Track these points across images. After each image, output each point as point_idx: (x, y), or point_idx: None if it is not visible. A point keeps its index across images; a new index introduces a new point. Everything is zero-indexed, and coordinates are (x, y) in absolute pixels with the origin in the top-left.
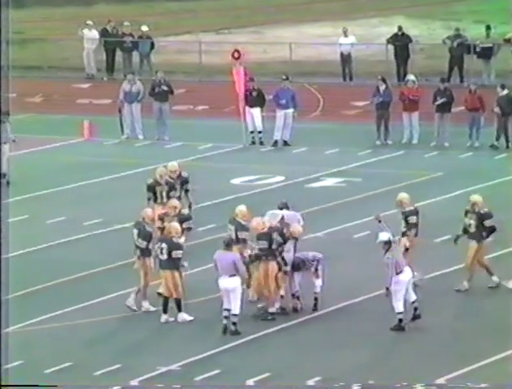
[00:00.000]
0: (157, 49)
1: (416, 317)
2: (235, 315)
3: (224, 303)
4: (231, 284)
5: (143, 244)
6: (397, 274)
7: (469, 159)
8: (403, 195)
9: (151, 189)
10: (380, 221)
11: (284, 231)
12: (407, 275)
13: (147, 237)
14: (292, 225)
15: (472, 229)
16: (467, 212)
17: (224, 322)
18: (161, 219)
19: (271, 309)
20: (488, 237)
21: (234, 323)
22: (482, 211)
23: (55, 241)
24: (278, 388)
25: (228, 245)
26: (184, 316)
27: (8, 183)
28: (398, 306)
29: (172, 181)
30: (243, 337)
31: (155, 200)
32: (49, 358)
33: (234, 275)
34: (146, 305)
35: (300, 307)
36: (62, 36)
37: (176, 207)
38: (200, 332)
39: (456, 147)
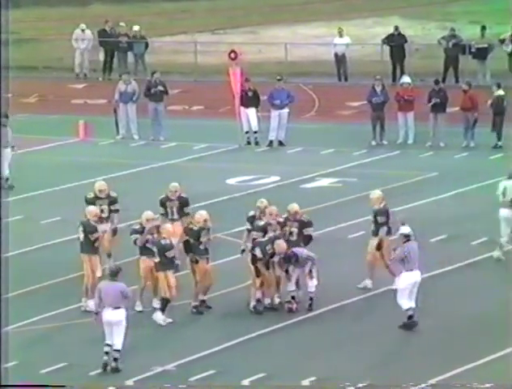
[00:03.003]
0: (152, 50)
1: (405, 325)
2: (117, 351)
3: (106, 337)
4: (115, 317)
5: (94, 237)
6: (406, 271)
7: (464, 159)
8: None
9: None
10: (403, 224)
11: (268, 247)
12: (414, 276)
13: (95, 231)
14: (277, 242)
15: (294, 237)
16: (287, 220)
17: (105, 358)
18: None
19: (252, 303)
20: (306, 244)
21: (116, 359)
22: (305, 220)
23: (50, 242)
24: (273, 388)
25: (115, 274)
26: (159, 317)
27: (12, 187)
28: (404, 303)
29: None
30: (238, 337)
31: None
32: (44, 358)
33: (119, 307)
34: (91, 304)
35: (295, 307)
36: (57, 37)
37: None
38: (195, 333)
39: (451, 147)
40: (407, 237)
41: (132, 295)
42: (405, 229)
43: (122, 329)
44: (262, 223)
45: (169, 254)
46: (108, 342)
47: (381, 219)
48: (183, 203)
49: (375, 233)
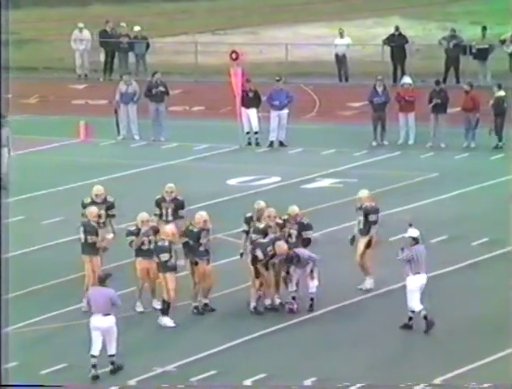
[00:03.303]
0: (153, 50)
1: (406, 325)
2: (112, 356)
3: (93, 348)
4: (105, 324)
5: (93, 238)
6: (412, 274)
7: (465, 159)
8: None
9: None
10: (411, 225)
11: (269, 248)
12: (420, 279)
13: (95, 233)
14: (277, 243)
15: (293, 239)
16: (286, 222)
17: (93, 371)
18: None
19: (252, 304)
20: (305, 247)
21: (113, 363)
22: (305, 222)
23: (51, 242)
24: (274, 388)
25: (103, 280)
26: (165, 320)
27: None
28: (416, 305)
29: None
30: (239, 338)
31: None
32: (44, 359)
33: (109, 314)
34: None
35: (296, 308)
36: (58, 37)
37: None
38: (196, 333)
39: (452, 147)
40: (415, 240)
41: (121, 302)
42: (413, 232)
43: (114, 335)
44: (262, 225)
45: (163, 256)
46: (94, 353)
47: (372, 217)
48: (178, 205)
49: (365, 232)
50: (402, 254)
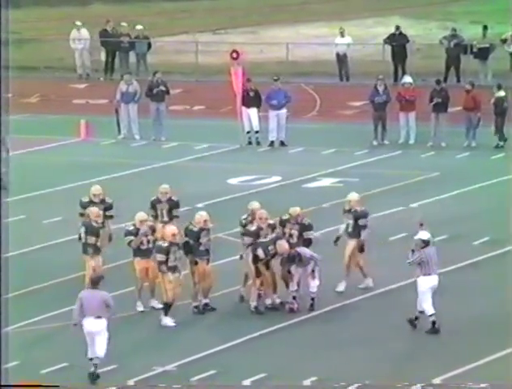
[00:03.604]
0: (154, 49)
1: (411, 322)
2: (98, 358)
3: (89, 351)
4: (97, 327)
5: (92, 240)
6: (423, 275)
7: (466, 159)
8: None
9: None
10: (422, 225)
11: (270, 247)
12: (431, 280)
13: (95, 233)
14: (278, 242)
15: (294, 240)
16: (286, 223)
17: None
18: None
19: (253, 304)
20: (306, 247)
21: (96, 365)
22: (306, 223)
23: (52, 242)
24: (274, 388)
25: (96, 283)
26: (166, 321)
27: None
28: (429, 309)
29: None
30: (239, 337)
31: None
32: (45, 358)
33: (101, 317)
34: None
35: (296, 307)
36: (58, 37)
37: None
38: (196, 333)
39: (453, 147)
40: (425, 243)
41: (114, 303)
42: (424, 235)
43: (104, 338)
44: (253, 228)
45: (160, 257)
46: (91, 356)
47: (362, 221)
48: (172, 205)
49: (354, 236)
50: (412, 257)
